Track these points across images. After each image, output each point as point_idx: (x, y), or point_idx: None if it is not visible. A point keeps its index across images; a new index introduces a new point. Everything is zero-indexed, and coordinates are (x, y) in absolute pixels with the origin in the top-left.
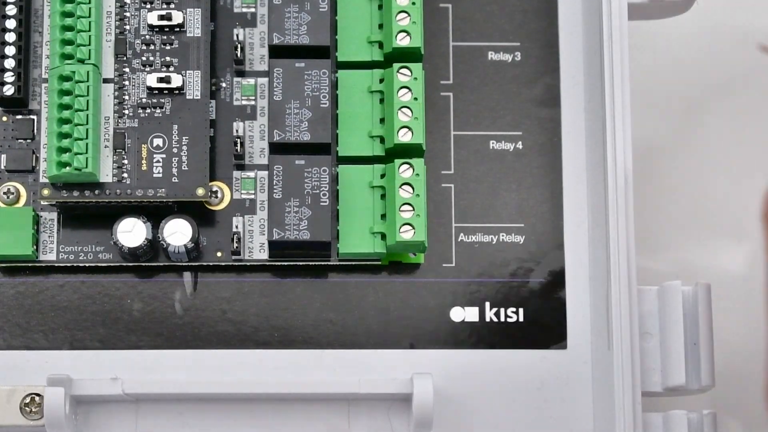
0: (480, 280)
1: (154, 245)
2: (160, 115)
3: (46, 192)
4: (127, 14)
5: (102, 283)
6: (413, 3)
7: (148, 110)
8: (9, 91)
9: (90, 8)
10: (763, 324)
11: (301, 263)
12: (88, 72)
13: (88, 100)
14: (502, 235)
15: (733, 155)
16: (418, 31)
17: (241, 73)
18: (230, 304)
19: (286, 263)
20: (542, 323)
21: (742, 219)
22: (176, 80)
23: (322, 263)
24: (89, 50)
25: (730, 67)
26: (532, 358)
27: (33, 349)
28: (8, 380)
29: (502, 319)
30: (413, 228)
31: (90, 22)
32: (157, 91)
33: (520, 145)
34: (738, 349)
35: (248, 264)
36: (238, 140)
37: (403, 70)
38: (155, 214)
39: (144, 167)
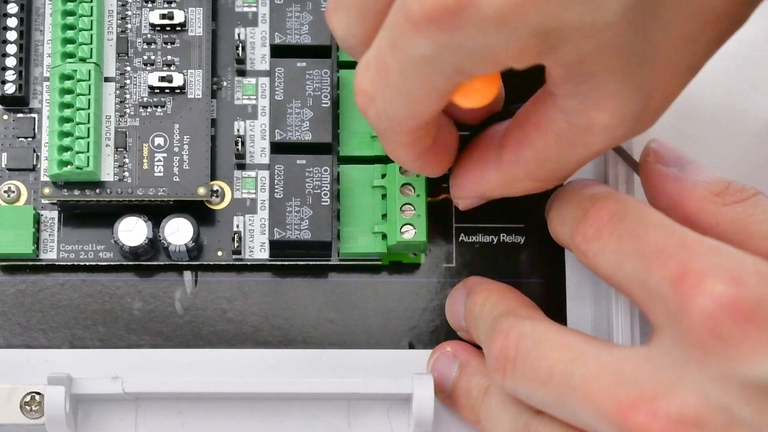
0: None
1: (155, 244)
2: (162, 114)
3: (47, 191)
4: (129, 13)
5: (102, 281)
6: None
7: (150, 109)
8: (10, 89)
9: (92, 7)
10: None
11: (301, 263)
12: (89, 71)
13: (89, 99)
14: (503, 236)
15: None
16: None
17: (243, 73)
18: (230, 303)
19: (286, 263)
20: None
21: None
22: (177, 79)
23: (323, 263)
24: (91, 49)
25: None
26: None
27: (33, 348)
28: (8, 379)
29: None
30: (414, 228)
31: (92, 21)
32: (158, 90)
33: None
34: None
35: (249, 263)
36: (239, 140)
37: None
38: (156, 213)
39: (145, 166)
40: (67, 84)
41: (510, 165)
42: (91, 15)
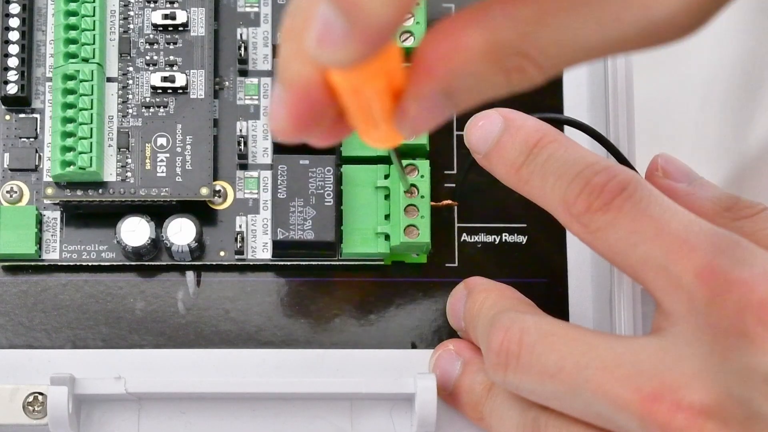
0: None
1: (158, 244)
2: (164, 114)
3: (49, 191)
4: (131, 13)
5: (105, 282)
6: (417, 3)
7: (152, 109)
8: (12, 89)
9: (94, 7)
10: None
11: (303, 263)
12: (92, 71)
13: (92, 99)
14: (505, 235)
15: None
16: (422, 31)
17: (245, 73)
18: (233, 303)
19: (288, 263)
20: None
21: None
22: (180, 79)
23: (325, 263)
24: (93, 49)
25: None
26: None
27: (36, 348)
28: (11, 379)
29: None
30: (418, 229)
31: (94, 21)
32: (161, 91)
33: None
34: None
35: (251, 263)
36: (242, 140)
37: None
38: (159, 213)
39: (148, 166)
40: (70, 84)
41: (504, 19)
42: (94, 15)
